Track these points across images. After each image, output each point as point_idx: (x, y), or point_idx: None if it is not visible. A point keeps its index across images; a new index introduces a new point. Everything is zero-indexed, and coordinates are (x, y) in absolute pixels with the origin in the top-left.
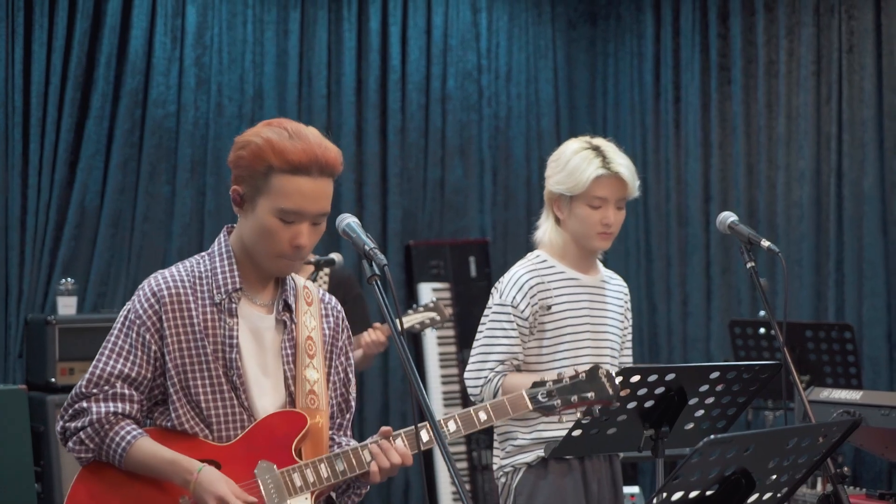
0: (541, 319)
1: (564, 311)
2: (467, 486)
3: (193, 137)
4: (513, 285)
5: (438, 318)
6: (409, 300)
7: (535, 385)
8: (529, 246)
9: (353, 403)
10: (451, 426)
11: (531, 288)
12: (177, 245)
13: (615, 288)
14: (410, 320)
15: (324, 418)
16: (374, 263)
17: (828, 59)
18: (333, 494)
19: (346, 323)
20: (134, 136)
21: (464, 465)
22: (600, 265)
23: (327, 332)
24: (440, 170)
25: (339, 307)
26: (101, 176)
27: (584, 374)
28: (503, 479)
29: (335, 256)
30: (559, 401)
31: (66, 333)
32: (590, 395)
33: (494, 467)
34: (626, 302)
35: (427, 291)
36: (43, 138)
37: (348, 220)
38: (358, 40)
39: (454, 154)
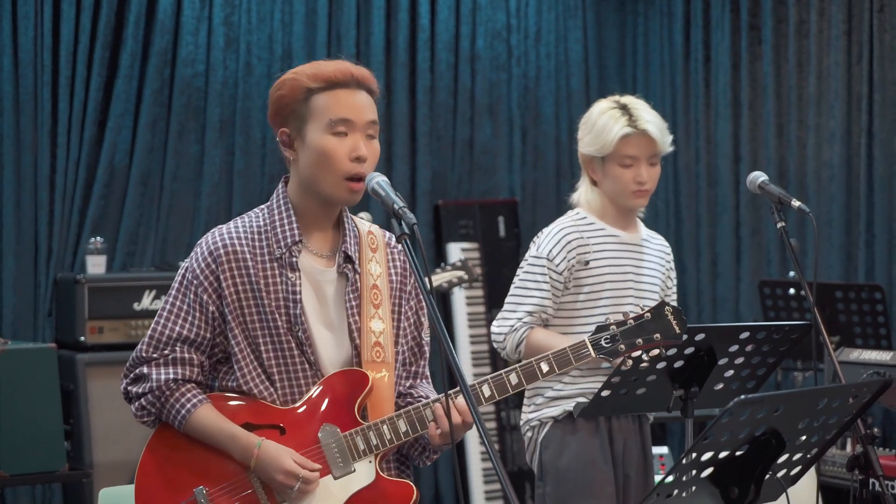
0: (577, 274)
1: (605, 266)
2: (496, 446)
3: (222, 97)
4: (550, 239)
5: (466, 276)
6: (438, 260)
7: (599, 329)
8: (559, 206)
9: (426, 348)
10: (514, 379)
11: (569, 243)
12: (205, 204)
13: (656, 248)
14: (438, 279)
15: (389, 371)
16: (403, 222)
17: (859, 19)
18: (414, 453)
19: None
20: (163, 95)
21: (492, 424)
22: (641, 224)
23: (395, 277)
24: (469, 129)
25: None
26: (130, 135)
27: (649, 314)
28: (529, 434)
29: (364, 215)
30: (623, 345)
31: (96, 292)
32: (655, 336)
33: (521, 422)
34: (668, 262)
35: (456, 251)
36: (72, 97)
37: (377, 179)
38: None
39: (483, 114)
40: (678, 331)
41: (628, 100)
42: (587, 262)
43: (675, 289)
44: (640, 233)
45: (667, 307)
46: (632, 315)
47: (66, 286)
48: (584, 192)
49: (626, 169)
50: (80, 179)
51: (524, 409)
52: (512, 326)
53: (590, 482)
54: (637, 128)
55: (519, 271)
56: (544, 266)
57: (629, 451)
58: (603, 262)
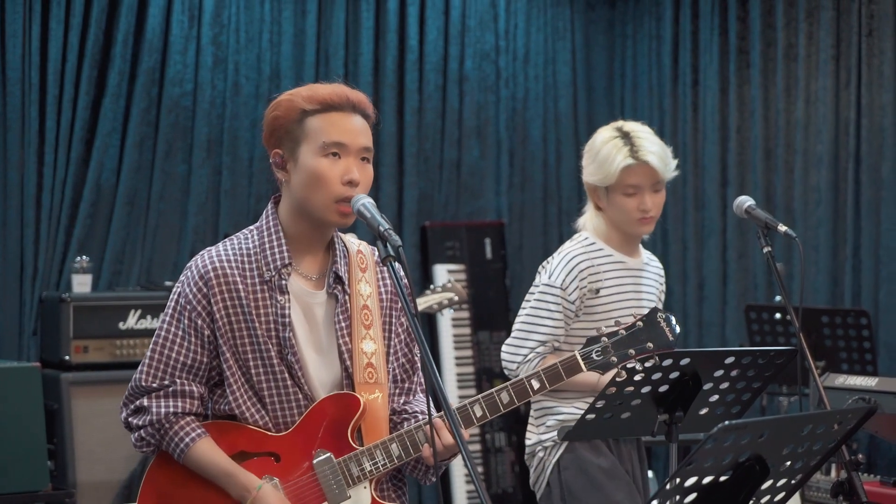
0: (588, 303)
1: (612, 294)
2: (480, 469)
3: (210, 116)
4: (563, 267)
5: (457, 298)
6: (425, 281)
7: (589, 342)
8: (546, 228)
9: (418, 364)
10: (505, 397)
11: (581, 271)
12: (192, 224)
13: (653, 270)
14: (428, 300)
15: (383, 391)
16: (388, 244)
17: (847, 43)
18: (418, 474)
19: (405, 282)
20: (150, 114)
21: (477, 447)
22: (641, 248)
23: (385, 295)
24: (457, 151)
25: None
26: (117, 154)
27: (640, 323)
28: (541, 454)
29: (350, 238)
30: (615, 357)
31: (81, 311)
32: (648, 345)
33: (528, 443)
34: (661, 284)
35: (442, 273)
36: (59, 116)
37: (363, 201)
38: (376, 20)
39: (471, 135)
40: (670, 338)
41: (631, 127)
42: (598, 291)
43: None
44: (641, 257)
45: (659, 314)
46: (623, 325)
47: (52, 305)
48: (589, 218)
49: (629, 198)
50: (66, 198)
51: (533, 430)
52: (525, 357)
53: (617, 487)
54: (638, 159)
55: (530, 297)
56: (557, 295)
57: (634, 470)
58: (612, 290)
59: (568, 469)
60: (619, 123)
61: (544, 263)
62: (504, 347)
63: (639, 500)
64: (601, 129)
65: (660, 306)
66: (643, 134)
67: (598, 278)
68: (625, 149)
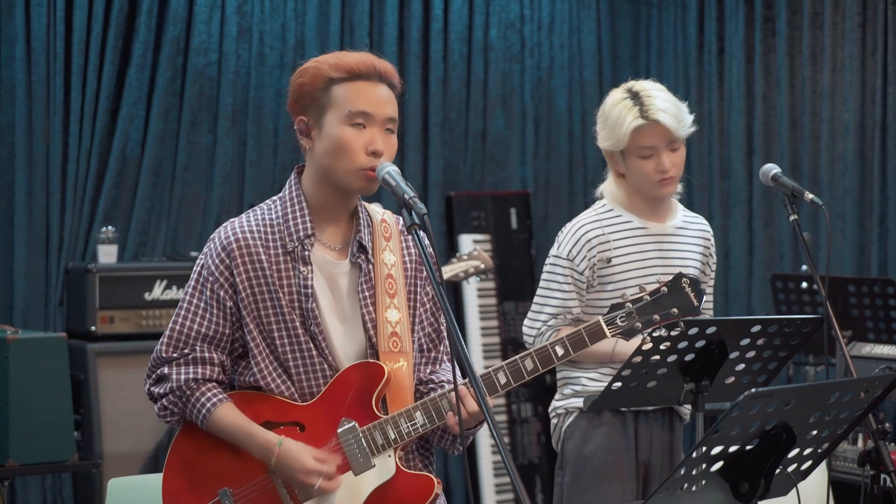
0: (600, 273)
1: (629, 261)
2: (506, 440)
3: (235, 86)
4: (571, 237)
5: (483, 265)
6: (450, 251)
7: (613, 308)
8: (571, 197)
9: (444, 334)
10: (529, 364)
11: (589, 241)
12: (217, 194)
13: (695, 232)
14: (455, 269)
15: (408, 360)
16: (413, 212)
17: (873, 11)
18: (445, 444)
19: (430, 250)
20: (175, 84)
21: (503, 417)
22: (679, 209)
23: (409, 264)
24: (482, 120)
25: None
26: (142, 124)
27: (665, 288)
28: (555, 420)
29: (375, 206)
30: (640, 322)
31: (107, 282)
32: (673, 310)
33: (550, 409)
34: (707, 247)
35: (468, 243)
36: (84, 86)
37: (388, 169)
38: None
39: (496, 105)
40: (696, 303)
41: (641, 87)
42: (609, 260)
43: (712, 275)
44: (674, 220)
45: (684, 279)
46: (648, 290)
47: (77, 275)
48: (608, 185)
49: (646, 160)
50: (91, 169)
51: (555, 397)
52: (538, 330)
53: (610, 474)
54: (649, 118)
55: (544, 269)
56: (565, 266)
57: (655, 448)
58: (627, 258)
59: (570, 438)
60: (630, 84)
61: (559, 233)
62: (525, 321)
63: (630, 483)
64: (612, 91)
65: (708, 270)
66: (653, 92)
67: (609, 247)
68: (634, 109)
